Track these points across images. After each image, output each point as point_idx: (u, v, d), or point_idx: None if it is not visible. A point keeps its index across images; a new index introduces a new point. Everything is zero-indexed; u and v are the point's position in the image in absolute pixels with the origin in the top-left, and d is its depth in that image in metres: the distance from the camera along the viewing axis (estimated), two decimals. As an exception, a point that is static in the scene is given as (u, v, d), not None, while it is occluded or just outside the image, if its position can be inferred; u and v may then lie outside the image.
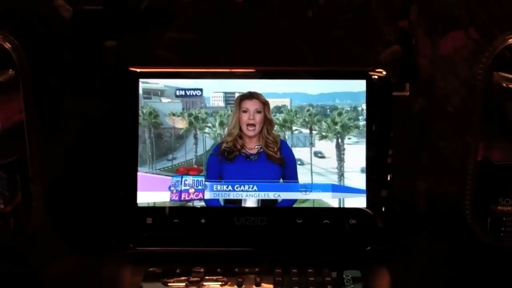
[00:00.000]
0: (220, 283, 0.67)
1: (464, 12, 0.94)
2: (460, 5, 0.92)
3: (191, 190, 0.77)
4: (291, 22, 0.90)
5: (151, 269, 0.70)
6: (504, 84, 0.74)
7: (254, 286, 0.67)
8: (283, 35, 0.90)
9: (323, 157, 0.78)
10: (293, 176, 0.78)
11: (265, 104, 0.78)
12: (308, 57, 0.89)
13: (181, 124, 0.78)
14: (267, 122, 0.78)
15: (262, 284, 0.67)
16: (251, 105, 0.78)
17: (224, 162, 0.78)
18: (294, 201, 0.78)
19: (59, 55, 0.83)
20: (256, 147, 0.78)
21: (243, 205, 0.78)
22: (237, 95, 0.78)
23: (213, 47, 0.88)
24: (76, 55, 0.83)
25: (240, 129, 0.78)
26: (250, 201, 0.77)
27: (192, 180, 0.78)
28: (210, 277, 0.68)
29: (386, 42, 0.89)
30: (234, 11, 0.93)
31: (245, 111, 0.78)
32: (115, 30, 0.86)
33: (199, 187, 0.77)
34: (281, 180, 0.78)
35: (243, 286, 0.67)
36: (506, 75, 0.75)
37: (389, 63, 0.91)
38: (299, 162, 0.78)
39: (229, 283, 0.67)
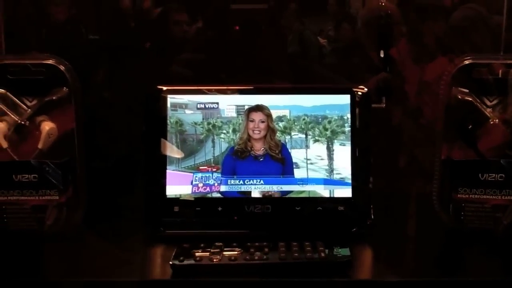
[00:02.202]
0: (236, 252, 0.79)
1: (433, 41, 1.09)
2: (430, 35, 1.07)
3: (201, 184, 0.90)
4: (279, 45, 1.06)
5: (180, 244, 0.82)
6: (460, 97, 0.88)
7: (263, 254, 0.79)
8: (271, 55, 1.06)
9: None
10: (290, 172, 0.91)
11: (268, 115, 0.91)
12: (288, 72, 1.05)
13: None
14: (270, 130, 0.91)
15: (270, 252, 0.80)
16: (257, 116, 0.91)
17: (238, 160, 0.91)
18: (294, 192, 0.90)
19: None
20: (262, 149, 0.91)
21: (252, 195, 0.90)
22: (246, 107, 0.91)
23: (217, 64, 1.04)
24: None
25: (248, 134, 0.91)
26: (258, 193, 0.90)
27: (203, 176, 0.90)
28: (228, 248, 0.80)
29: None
30: (233, 37, 1.10)
31: (251, 121, 0.91)
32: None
33: (212, 182, 0.90)
34: (281, 176, 0.91)
35: (255, 255, 0.79)
36: (462, 89, 0.88)
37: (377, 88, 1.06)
38: (298, 161, 0.90)
39: (243, 252, 0.80)
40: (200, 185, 0.91)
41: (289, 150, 0.92)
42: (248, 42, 1.09)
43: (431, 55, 1.09)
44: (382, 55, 1.07)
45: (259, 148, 0.92)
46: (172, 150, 0.91)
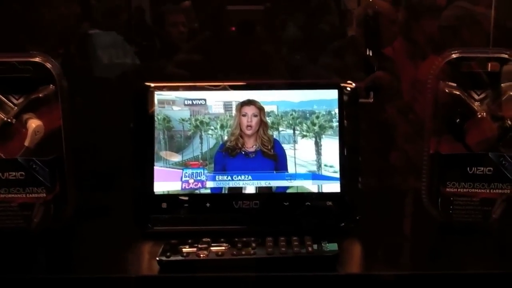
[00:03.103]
0: (223, 247, 0.79)
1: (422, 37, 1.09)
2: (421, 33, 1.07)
3: (192, 180, 0.90)
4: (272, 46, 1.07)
5: (168, 240, 0.82)
6: (447, 90, 0.88)
7: (251, 249, 0.79)
8: (265, 56, 1.06)
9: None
10: (284, 168, 0.91)
11: (261, 109, 0.91)
12: (284, 73, 1.05)
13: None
14: (263, 124, 0.91)
15: (257, 247, 0.79)
16: (249, 110, 0.91)
17: (228, 157, 0.90)
18: (282, 188, 0.90)
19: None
20: (254, 146, 0.91)
21: (240, 192, 0.89)
22: (234, 103, 0.90)
23: (213, 65, 1.04)
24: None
25: (241, 129, 0.90)
26: (247, 189, 0.90)
27: (194, 172, 0.90)
28: (215, 244, 0.80)
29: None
30: (229, 38, 1.10)
31: (244, 115, 0.91)
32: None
33: (204, 178, 0.90)
34: (274, 172, 0.90)
35: (243, 250, 0.79)
36: (450, 83, 0.88)
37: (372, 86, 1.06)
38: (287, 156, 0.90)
39: (230, 247, 0.80)
40: (191, 181, 0.90)
41: (282, 146, 0.91)
42: (244, 43, 1.09)
43: (423, 53, 1.09)
44: (370, 54, 1.07)
45: (251, 145, 0.91)
46: (159, 147, 0.91)
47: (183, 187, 0.90)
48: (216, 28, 1.09)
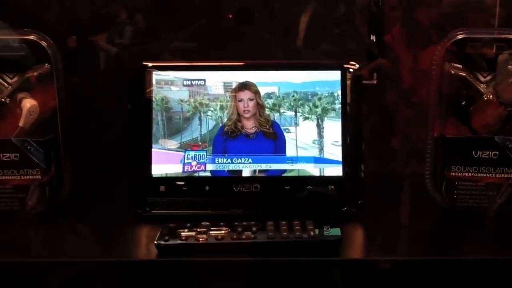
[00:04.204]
0: (223, 231, 0.77)
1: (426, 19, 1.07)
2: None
3: (195, 163, 0.88)
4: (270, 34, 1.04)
5: (166, 224, 0.80)
6: (453, 72, 0.87)
7: (251, 233, 0.77)
8: (263, 44, 1.04)
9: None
10: (283, 150, 0.89)
11: (256, 92, 0.89)
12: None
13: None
14: (259, 107, 0.89)
15: (258, 232, 0.78)
16: (245, 95, 0.89)
17: (228, 140, 0.88)
18: (283, 171, 0.88)
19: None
20: (254, 127, 0.89)
21: (240, 175, 0.87)
22: (234, 84, 0.88)
23: (210, 53, 1.02)
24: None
25: (238, 114, 0.89)
26: (247, 172, 0.88)
27: (197, 154, 0.88)
28: (214, 228, 0.78)
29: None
30: (226, 25, 1.08)
31: (240, 101, 0.89)
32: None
33: (203, 160, 0.88)
34: (274, 154, 0.88)
35: (243, 234, 0.77)
36: (455, 64, 0.87)
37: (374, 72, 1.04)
38: (288, 139, 0.88)
39: (230, 231, 0.78)
40: (194, 163, 0.89)
41: (280, 127, 0.89)
42: (242, 30, 1.07)
43: (424, 41, 1.07)
44: (374, 40, 1.04)
45: (250, 126, 0.89)
46: (157, 128, 0.89)
47: (184, 170, 0.88)
48: (213, 15, 1.07)
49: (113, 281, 0.79)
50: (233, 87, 0.89)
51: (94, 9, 1.05)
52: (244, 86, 0.89)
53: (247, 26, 1.06)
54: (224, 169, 0.89)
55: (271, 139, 0.89)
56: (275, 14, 1.09)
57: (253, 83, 0.89)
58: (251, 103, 0.89)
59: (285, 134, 0.89)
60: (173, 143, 0.89)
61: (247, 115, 0.89)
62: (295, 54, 1.07)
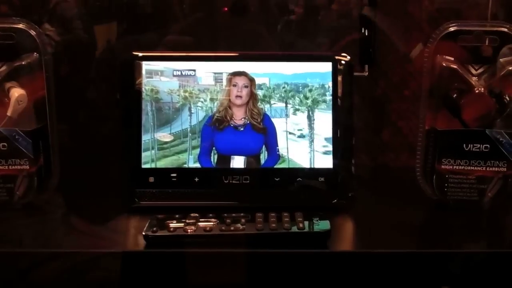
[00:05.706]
0: (211, 223, 0.77)
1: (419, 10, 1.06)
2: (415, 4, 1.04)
3: None
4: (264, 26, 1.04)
5: (154, 215, 0.79)
6: (444, 64, 0.86)
7: (240, 225, 0.77)
8: (257, 36, 1.03)
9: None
10: (274, 144, 0.88)
11: (252, 80, 0.88)
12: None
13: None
14: (253, 96, 0.88)
15: (247, 223, 0.77)
16: (240, 81, 0.88)
17: (216, 132, 0.88)
18: (273, 162, 0.88)
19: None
20: (243, 119, 0.88)
21: (230, 166, 0.87)
22: (224, 75, 0.87)
23: (204, 46, 1.01)
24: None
25: (230, 100, 0.88)
26: (237, 163, 0.88)
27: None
28: (203, 219, 0.78)
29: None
30: (222, 19, 1.07)
31: (234, 85, 0.88)
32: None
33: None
34: (263, 148, 0.88)
35: (231, 225, 0.76)
36: (446, 56, 0.86)
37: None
38: (279, 130, 0.88)
39: (219, 223, 0.77)
40: (176, 154, 0.88)
41: (271, 120, 0.89)
42: (237, 23, 1.06)
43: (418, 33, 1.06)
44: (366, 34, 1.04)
45: (239, 117, 0.89)
46: (147, 119, 0.88)
47: (174, 161, 0.87)
48: (208, 8, 1.06)
49: (101, 271, 0.78)
50: (224, 77, 0.89)
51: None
52: (241, 72, 0.88)
53: (241, 18, 1.05)
54: (213, 160, 0.88)
55: (260, 133, 0.88)
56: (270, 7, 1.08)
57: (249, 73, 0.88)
58: (245, 90, 0.88)
59: (276, 126, 0.88)
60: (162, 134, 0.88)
61: (238, 102, 0.88)
62: (289, 46, 1.06)
